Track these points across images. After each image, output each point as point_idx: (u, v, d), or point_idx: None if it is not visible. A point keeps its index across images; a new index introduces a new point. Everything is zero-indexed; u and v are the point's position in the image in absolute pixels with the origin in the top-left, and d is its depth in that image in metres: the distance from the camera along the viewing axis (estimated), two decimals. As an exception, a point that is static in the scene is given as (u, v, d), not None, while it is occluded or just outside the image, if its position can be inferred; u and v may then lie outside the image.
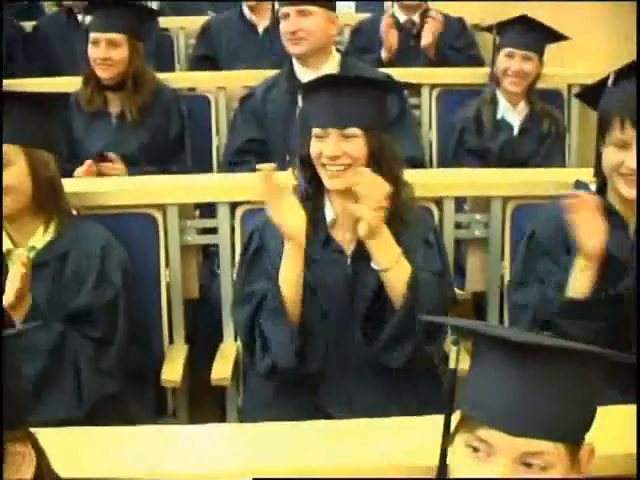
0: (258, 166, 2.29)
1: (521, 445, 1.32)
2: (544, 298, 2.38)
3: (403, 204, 2.42)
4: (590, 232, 2.25)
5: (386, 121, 2.49)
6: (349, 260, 2.44)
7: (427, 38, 4.51)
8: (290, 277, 2.32)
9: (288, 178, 2.49)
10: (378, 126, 2.40)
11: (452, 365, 1.45)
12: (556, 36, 3.82)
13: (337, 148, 2.34)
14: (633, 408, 1.77)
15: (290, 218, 2.29)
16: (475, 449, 1.36)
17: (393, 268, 2.32)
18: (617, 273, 2.34)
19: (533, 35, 3.75)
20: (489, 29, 4.13)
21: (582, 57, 3.63)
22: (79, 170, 3.32)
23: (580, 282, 2.29)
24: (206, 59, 4.76)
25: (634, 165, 2.26)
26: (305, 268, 2.36)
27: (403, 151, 2.59)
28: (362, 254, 2.40)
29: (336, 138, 2.35)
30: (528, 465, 1.33)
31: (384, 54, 4.48)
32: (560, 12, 4.03)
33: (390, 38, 4.46)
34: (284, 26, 3.45)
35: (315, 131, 2.39)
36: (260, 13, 4.71)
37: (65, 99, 3.16)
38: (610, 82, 2.36)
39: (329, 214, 2.46)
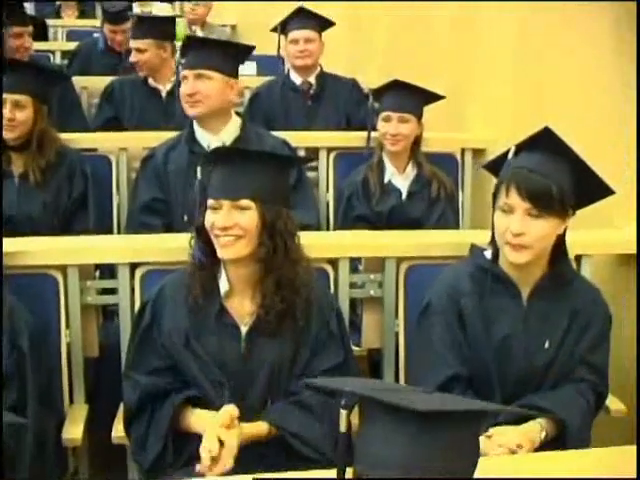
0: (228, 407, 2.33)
1: None
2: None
3: (301, 278, 2.46)
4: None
5: (283, 192, 2.50)
6: (244, 334, 2.46)
7: None
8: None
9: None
10: (273, 198, 2.42)
11: (342, 429, 1.46)
12: (430, 97, 3.93)
13: (229, 219, 2.37)
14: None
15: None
16: None
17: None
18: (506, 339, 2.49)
19: (408, 97, 3.84)
20: (366, 96, 4.23)
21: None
22: None
23: None
24: (113, 120, 4.82)
25: (517, 229, 2.37)
26: (198, 340, 2.43)
27: (300, 218, 2.64)
28: (258, 329, 2.44)
29: (228, 209, 2.38)
30: None
31: None
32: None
33: None
34: (182, 88, 3.54)
35: (210, 202, 2.42)
36: (162, 78, 4.82)
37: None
38: (511, 154, 2.46)
39: (223, 285, 2.47)
